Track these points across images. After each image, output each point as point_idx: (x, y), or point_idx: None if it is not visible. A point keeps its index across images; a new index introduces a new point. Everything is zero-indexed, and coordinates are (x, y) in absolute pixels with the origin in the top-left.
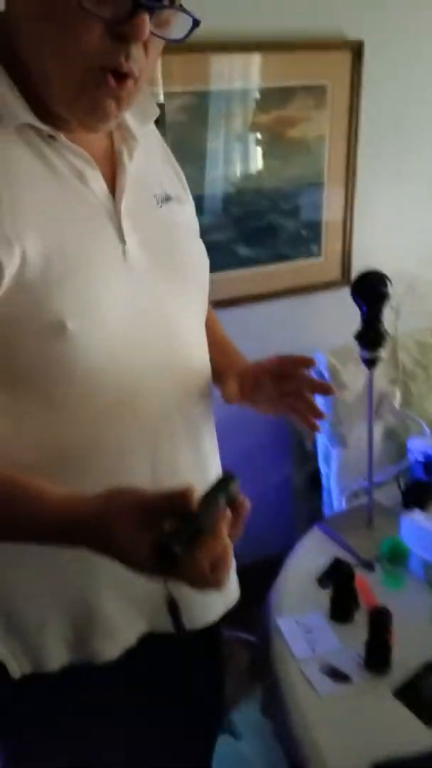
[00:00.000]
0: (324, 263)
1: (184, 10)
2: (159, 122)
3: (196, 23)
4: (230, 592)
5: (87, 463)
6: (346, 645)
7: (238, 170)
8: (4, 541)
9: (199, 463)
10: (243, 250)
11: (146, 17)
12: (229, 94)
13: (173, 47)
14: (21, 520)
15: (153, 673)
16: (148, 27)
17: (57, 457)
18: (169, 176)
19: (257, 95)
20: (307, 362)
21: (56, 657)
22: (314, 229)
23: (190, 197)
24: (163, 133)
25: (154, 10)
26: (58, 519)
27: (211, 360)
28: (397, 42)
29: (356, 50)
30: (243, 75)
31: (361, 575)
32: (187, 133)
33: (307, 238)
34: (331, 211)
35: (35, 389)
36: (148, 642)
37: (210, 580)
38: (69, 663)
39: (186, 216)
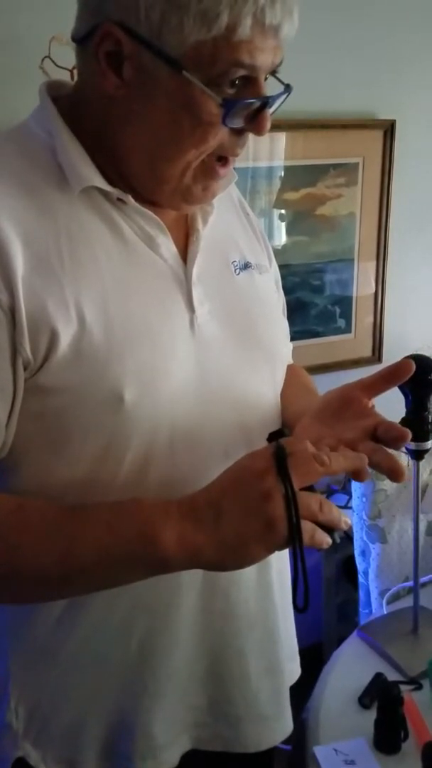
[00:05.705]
0: (354, 340)
1: (280, 92)
2: None
3: (287, 89)
4: (286, 722)
5: None
6: None
7: None
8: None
9: (261, 564)
10: None
11: (268, 112)
12: (257, 171)
13: None
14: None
15: None
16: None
17: None
18: (251, 243)
19: (283, 173)
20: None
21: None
22: (344, 305)
23: (275, 267)
24: None
25: (273, 103)
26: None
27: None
28: (427, 121)
29: (388, 129)
30: (272, 153)
31: (409, 697)
32: None
33: (337, 315)
34: (361, 288)
35: (85, 465)
36: (192, 761)
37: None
38: None
39: (266, 286)
